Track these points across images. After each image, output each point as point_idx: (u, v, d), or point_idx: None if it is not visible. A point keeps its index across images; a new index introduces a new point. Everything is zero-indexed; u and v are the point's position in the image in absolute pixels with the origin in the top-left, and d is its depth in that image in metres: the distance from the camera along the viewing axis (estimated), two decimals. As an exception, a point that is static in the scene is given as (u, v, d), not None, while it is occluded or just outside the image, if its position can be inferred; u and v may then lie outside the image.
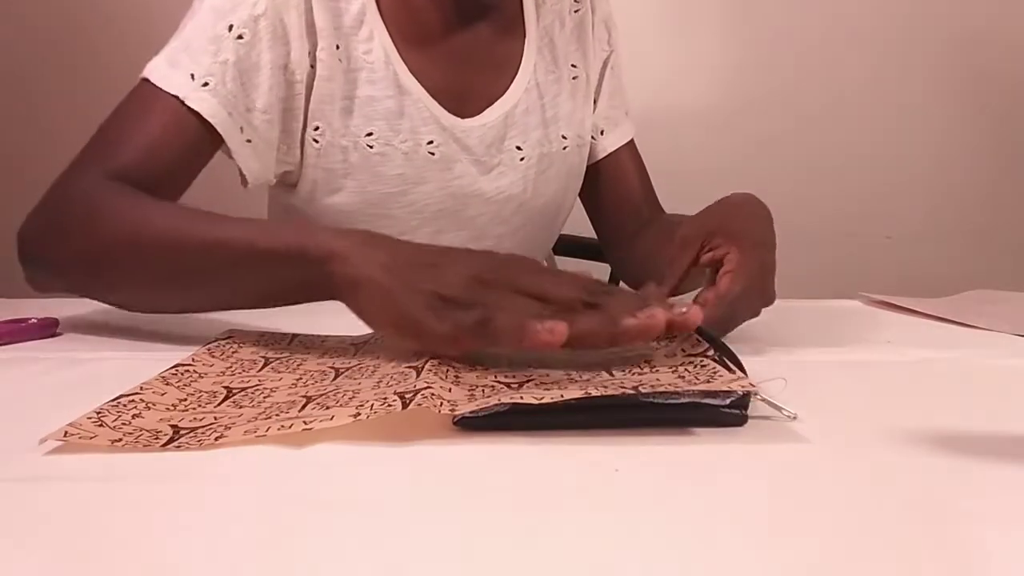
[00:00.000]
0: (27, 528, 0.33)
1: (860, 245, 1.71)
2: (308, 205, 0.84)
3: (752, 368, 0.49)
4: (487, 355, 0.56)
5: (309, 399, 0.47)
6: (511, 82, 0.88)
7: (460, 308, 0.50)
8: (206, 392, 0.50)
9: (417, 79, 0.82)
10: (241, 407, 0.47)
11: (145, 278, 0.63)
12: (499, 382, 0.49)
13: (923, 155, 1.71)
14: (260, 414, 0.45)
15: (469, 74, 0.86)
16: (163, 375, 0.52)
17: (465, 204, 0.86)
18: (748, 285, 0.60)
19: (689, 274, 0.64)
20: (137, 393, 0.48)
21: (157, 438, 0.42)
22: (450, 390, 0.46)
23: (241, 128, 0.74)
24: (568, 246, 1.21)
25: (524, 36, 0.90)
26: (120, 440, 0.41)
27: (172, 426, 0.44)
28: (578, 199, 0.99)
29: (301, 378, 0.53)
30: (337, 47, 0.79)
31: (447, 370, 0.50)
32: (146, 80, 0.72)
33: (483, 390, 0.47)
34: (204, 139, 0.72)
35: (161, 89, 0.71)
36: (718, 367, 0.48)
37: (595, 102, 0.95)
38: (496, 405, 0.42)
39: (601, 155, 0.97)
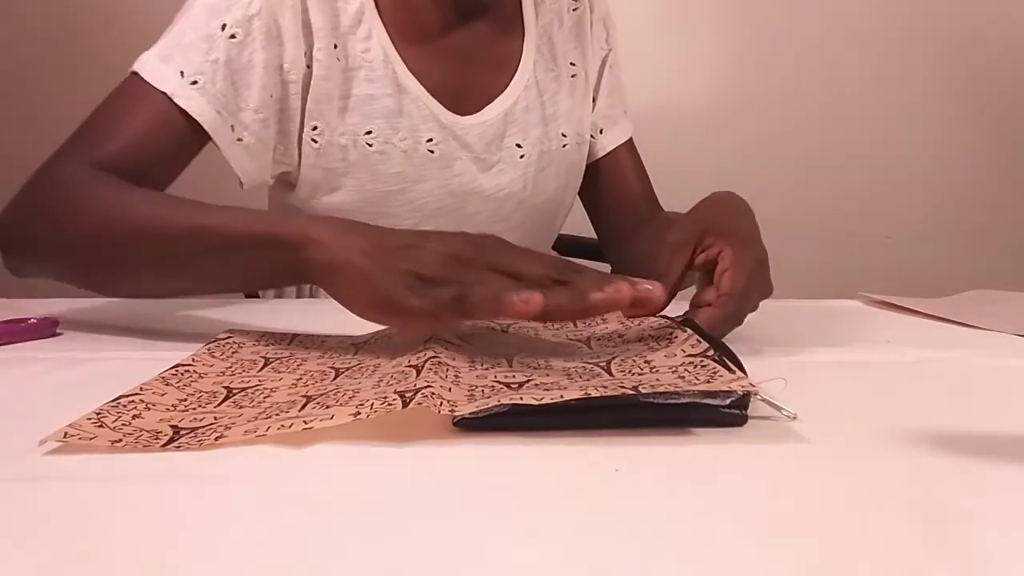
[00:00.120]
0: (27, 528, 0.33)
1: (860, 245, 1.71)
2: (308, 204, 0.84)
3: (752, 368, 0.49)
4: (489, 352, 0.56)
5: (309, 399, 0.47)
6: (510, 80, 0.88)
7: (438, 285, 0.52)
8: (206, 392, 0.50)
9: (416, 77, 0.82)
10: (241, 407, 0.47)
11: (125, 263, 0.64)
12: (499, 382, 0.49)
13: (923, 155, 1.71)
14: (260, 414, 0.45)
15: (468, 72, 0.86)
16: (163, 375, 0.52)
17: (465, 202, 0.86)
18: (749, 279, 0.61)
19: (684, 277, 0.64)
20: (137, 394, 0.48)
21: (157, 438, 0.42)
22: (450, 390, 0.46)
23: (232, 127, 0.74)
24: (568, 246, 1.20)
25: (523, 34, 0.90)
26: (120, 441, 0.41)
27: (172, 426, 0.44)
28: (577, 198, 0.99)
29: (301, 378, 0.53)
30: (335, 46, 0.79)
31: (447, 369, 0.50)
32: (136, 74, 0.72)
33: (483, 390, 0.47)
34: (190, 136, 0.72)
35: (150, 84, 0.71)
36: (718, 367, 0.48)
37: (594, 100, 0.95)
38: (496, 406, 0.42)
39: (600, 154, 0.97)
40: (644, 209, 0.96)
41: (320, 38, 0.77)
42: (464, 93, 0.85)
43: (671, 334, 0.56)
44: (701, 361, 0.49)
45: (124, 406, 0.46)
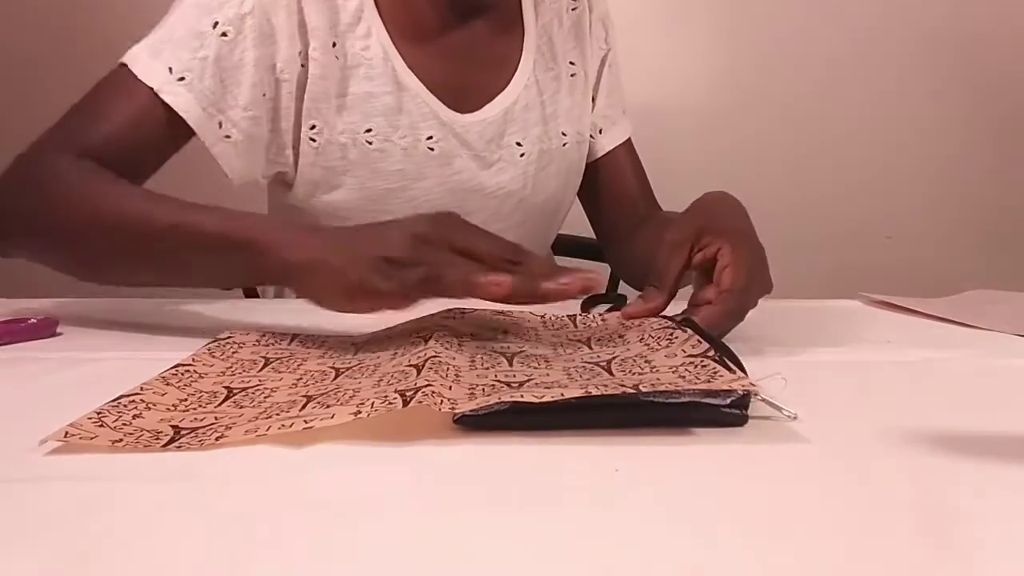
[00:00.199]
0: (27, 528, 0.33)
1: (860, 245, 1.71)
2: (308, 203, 0.84)
3: (752, 368, 0.49)
4: (489, 351, 0.56)
5: (310, 398, 0.47)
6: (510, 79, 0.88)
7: (405, 267, 0.54)
8: (206, 392, 0.50)
9: (416, 75, 0.82)
10: (242, 407, 0.47)
11: (102, 254, 0.66)
12: (499, 381, 0.49)
13: (923, 155, 1.71)
14: (260, 414, 0.45)
15: (468, 71, 0.86)
16: (163, 375, 0.52)
17: (464, 200, 0.86)
18: (749, 276, 0.61)
19: (682, 277, 0.65)
20: (137, 393, 0.48)
21: (158, 438, 0.42)
22: (450, 388, 0.46)
23: (220, 123, 0.74)
24: (568, 246, 1.20)
25: (523, 34, 0.90)
26: (121, 440, 0.41)
27: (173, 426, 0.44)
28: (576, 198, 1.00)
29: (301, 378, 0.53)
30: (333, 44, 0.79)
31: (448, 368, 0.50)
32: (125, 66, 0.73)
33: (483, 389, 0.47)
34: (174, 132, 0.73)
35: (138, 78, 0.72)
36: (718, 367, 0.48)
37: (593, 100, 0.96)
38: (496, 404, 0.42)
39: (599, 154, 0.97)
40: (642, 209, 0.96)
41: (317, 37, 0.77)
42: (464, 91, 0.86)
43: (671, 334, 0.56)
44: (701, 361, 0.49)
45: (124, 406, 0.46)
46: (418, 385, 0.45)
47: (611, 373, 0.51)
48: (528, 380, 0.49)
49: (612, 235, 0.99)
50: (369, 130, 0.81)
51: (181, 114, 0.72)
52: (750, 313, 0.62)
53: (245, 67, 0.74)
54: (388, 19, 0.82)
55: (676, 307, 0.63)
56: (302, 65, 0.78)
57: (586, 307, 0.73)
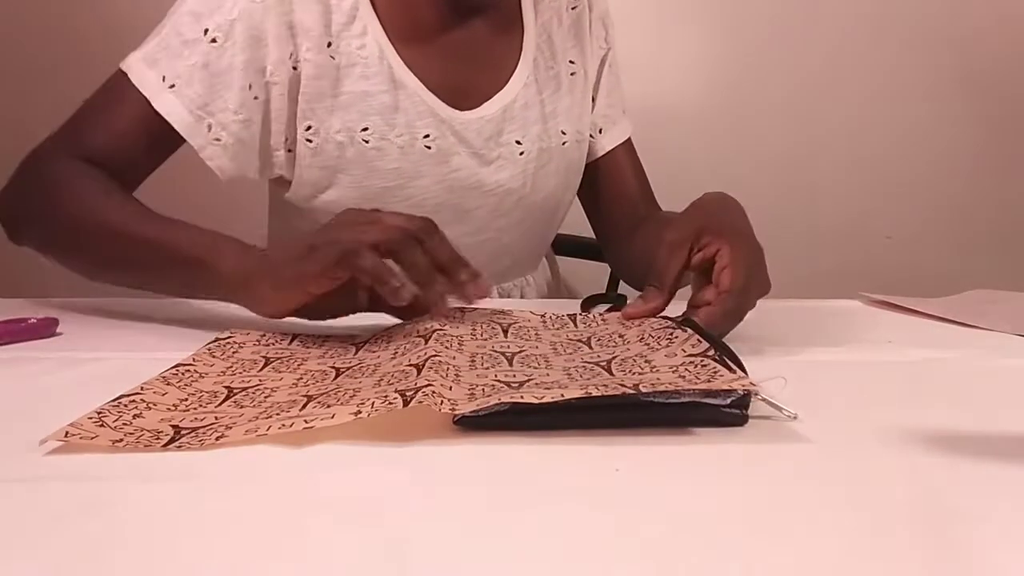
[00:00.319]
0: (27, 528, 0.33)
1: (860, 245, 1.71)
2: (306, 202, 0.84)
3: (752, 368, 0.49)
4: (489, 351, 0.56)
5: (310, 398, 0.47)
6: (509, 77, 0.88)
7: (325, 247, 0.59)
8: (207, 392, 0.50)
9: (414, 73, 0.83)
10: (242, 407, 0.47)
11: (92, 257, 0.72)
12: (499, 381, 0.49)
13: (923, 155, 1.71)
14: (261, 413, 0.45)
15: (467, 69, 0.86)
16: (164, 375, 0.52)
17: (463, 197, 0.86)
18: (748, 276, 0.61)
19: (681, 277, 0.65)
20: (138, 393, 0.48)
21: (158, 438, 0.42)
22: (451, 388, 0.46)
23: (209, 127, 0.77)
24: (568, 246, 1.20)
25: (522, 32, 0.90)
26: (121, 440, 0.41)
27: (173, 426, 0.44)
28: (576, 198, 0.99)
29: (302, 378, 0.53)
30: (329, 44, 0.79)
31: (448, 368, 0.50)
32: (124, 73, 0.77)
33: (483, 389, 0.47)
34: (166, 136, 0.77)
35: (134, 85, 0.76)
36: (719, 367, 0.48)
37: (593, 100, 0.95)
38: (496, 404, 0.42)
39: (599, 153, 0.97)
40: (642, 209, 0.96)
41: (310, 38, 0.78)
42: (463, 90, 0.85)
43: (671, 334, 0.56)
44: (702, 361, 0.49)
45: (125, 405, 0.46)
46: (418, 385, 0.45)
47: (611, 373, 0.51)
48: (528, 380, 0.49)
49: (612, 235, 0.99)
50: (366, 129, 0.81)
51: (170, 121, 0.76)
52: (750, 313, 0.62)
53: (234, 71, 0.76)
54: (384, 18, 0.82)
55: (676, 307, 0.63)
56: (294, 67, 0.79)
57: (586, 307, 0.73)
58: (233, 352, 0.59)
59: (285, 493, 0.37)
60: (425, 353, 0.53)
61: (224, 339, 0.61)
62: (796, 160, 1.70)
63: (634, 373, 0.50)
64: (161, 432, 0.43)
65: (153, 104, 0.75)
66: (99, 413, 0.44)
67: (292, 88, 0.79)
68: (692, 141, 1.68)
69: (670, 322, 0.59)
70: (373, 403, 0.43)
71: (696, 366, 0.48)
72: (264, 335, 0.63)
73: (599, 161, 0.97)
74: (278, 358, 0.58)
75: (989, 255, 1.69)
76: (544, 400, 0.42)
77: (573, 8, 0.93)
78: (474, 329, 0.62)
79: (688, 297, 0.65)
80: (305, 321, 0.64)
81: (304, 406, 0.45)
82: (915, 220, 1.72)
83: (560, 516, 0.34)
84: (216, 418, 0.45)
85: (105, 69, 0.78)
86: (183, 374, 0.53)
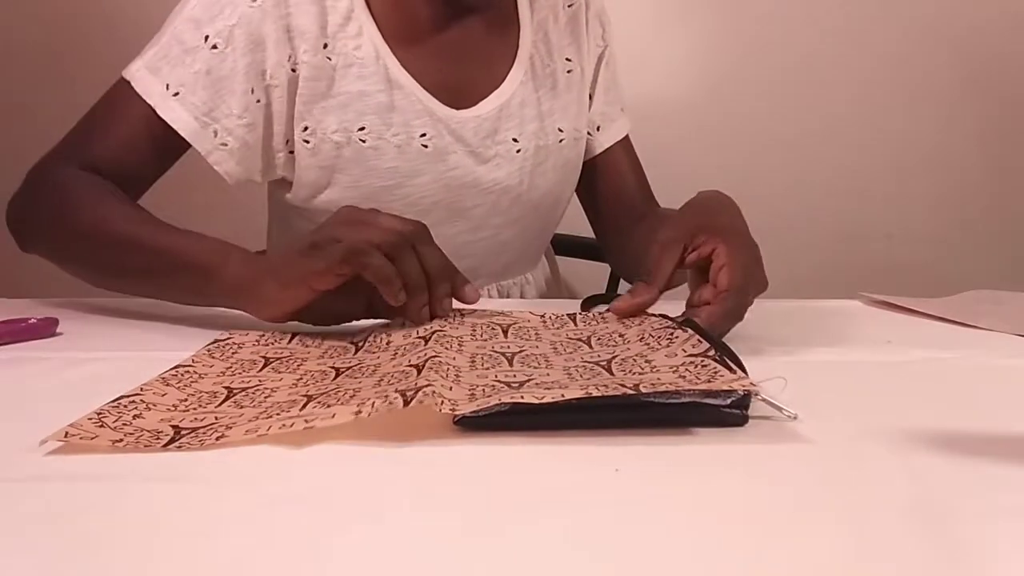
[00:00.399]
0: (27, 527, 0.33)
1: (860, 245, 1.71)
2: (305, 203, 0.85)
3: (752, 368, 0.49)
4: (490, 351, 0.56)
5: (310, 398, 0.47)
6: (506, 75, 0.88)
7: (330, 246, 0.60)
8: (206, 392, 0.50)
9: (409, 73, 0.83)
10: (242, 407, 0.47)
11: (96, 264, 0.74)
12: (500, 381, 0.49)
13: (923, 155, 1.71)
14: (261, 413, 0.45)
15: (462, 68, 0.86)
16: (163, 376, 0.52)
17: (461, 195, 0.86)
18: (745, 275, 0.61)
19: (674, 275, 0.65)
20: (137, 394, 0.48)
21: (158, 438, 0.42)
22: (451, 388, 0.46)
23: (215, 132, 0.77)
24: (568, 246, 1.20)
25: (518, 30, 0.90)
26: (121, 440, 0.41)
27: (173, 426, 0.44)
28: (575, 196, 0.99)
29: (302, 378, 0.53)
30: (325, 46, 0.80)
31: (448, 369, 0.50)
32: (127, 82, 0.77)
33: (483, 389, 0.47)
34: (172, 143, 0.78)
35: (137, 94, 0.76)
36: (719, 367, 0.48)
37: (590, 97, 0.95)
38: (496, 405, 0.42)
39: (597, 151, 0.97)
40: (640, 206, 0.96)
41: (306, 40, 0.79)
42: (459, 89, 0.86)
43: (671, 334, 0.56)
44: (702, 361, 0.49)
45: (125, 406, 0.46)
46: (419, 385, 0.45)
47: (611, 373, 0.51)
48: (528, 380, 0.49)
49: (611, 232, 0.99)
50: (362, 128, 0.81)
51: (176, 128, 0.76)
52: (750, 313, 0.62)
53: (236, 76, 0.77)
54: (380, 18, 0.82)
55: (675, 307, 0.63)
56: (292, 69, 0.79)
57: (586, 307, 0.73)
58: (232, 353, 0.59)
59: (285, 493, 0.37)
60: (425, 354, 0.53)
61: (223, 340, 0.61)
62: (795, 158, 1.70)
63: (634, 373, 0.50)
64: (161, 432, 0.43)
65: (158, 112, 0.76)
66: (99, 414, 0.44)
67: (291, 90, 0.79)
68: (691, 140, 1.68)
69: (670, 322, 0.59)
70: (373, 403, 0.43)
71: (696, 366, 0.48)
72: (263, 335, 0.63)
73: (597, 159, 0.97)
74: (277, 358, 0.58)
75: (989, 255, 1.69)
76: (544, 400, 0.42)
77: (569, 6, 0.93)
78: (474, 330, 0.62)
79: (686, 297, 0.65)
80: (305, 325, 0.64)
81: (304, 406, 0.45)
82: (915, 220, 1.72)
83: (560, 516, 0.34)
84: (216, 418, 0.45)
85: (112, 72, 0.78)
86: (182, 375, 0.53)
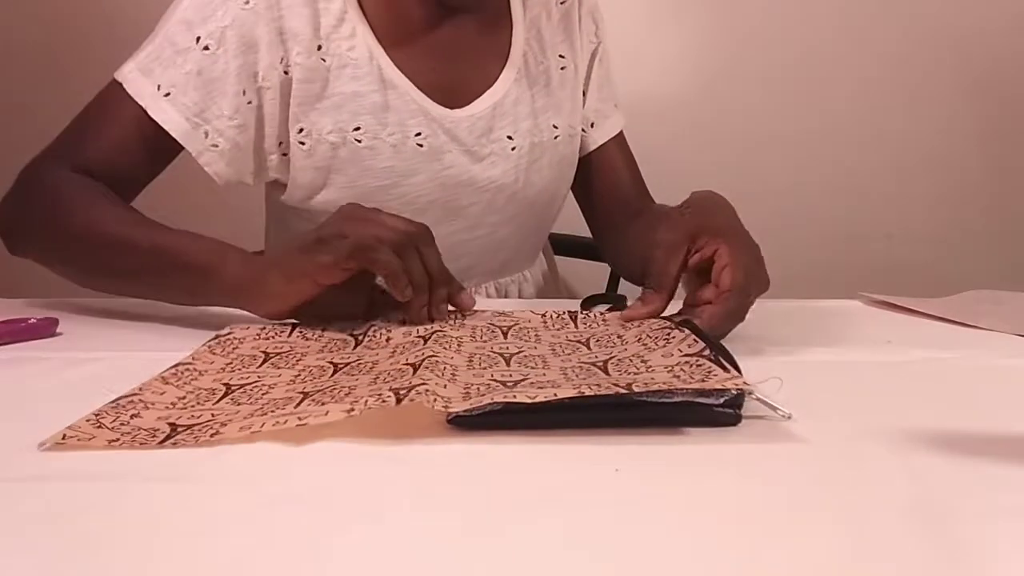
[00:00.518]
0: (27, 527, 0.33)
1: (860, 245, 1.71)
2: (302, 204, 0.85)
3: (751, 368, 0.49)
4: (488, 351, 0.56)
5: (305, 395, 0.47)
6: (499, 73, 0.88)
7: (336, 240, 0.60)
8: (205, 389, 0.50)
9: (403, 73, 0.83)
10: (239, 404, 0.47)
11: (89, 268, 0.73)
12: (495, 380, 0.49)
13: (923, 154, 1.71)
14: (256, 411, 0.45)
15: (455, 67, 0.86)
16: (163, 375, 0.52)
17: (456, 194, 0.87)
18: (747, 275, 0.61)
19: (679, 278, 0.65)
20: (136, 394, 0.48)
21: (154, 436, 0.42)
22: (445, 386, 0.46)
23: (206, 133, 0.77)
24: (567, 246, 1.20)
25: (511, 28, 0.90)
26: (117, 440, 0.41)
27: (170, 424, 0.44)
28: (571, 193, 1.00)
29: (300, 374, 0.53)
30: (319, 47, 0.80)
31: (444, 368, 0.50)
32: (119, 83, 0.77)
33: (478, 388, 0.47)
34: (163, 145, 0.77)
35: (129, 95, 0.76)
36: (713, 366, 0.48)
37: (584, 94, 0.95)
38: (489, 404, 0.42)
39: (591, 148, 0.97)
40: (635, 202, 0.96)
41: (299, 42, 0.79)
42: (453, 87, 0.86)
43: (669, 334, 0.56)
44: (697, 360, 0.49)
45: (123, 407, 0.46)
46: (412, 384, 0.45)
47: (607, 373, 0.51)
48: (524, 379, 0.49)
49: (606, 229, 0.99)
50: (358, 128, 0.81)
51: (167, 128, 0.76)
52: (750, 313, 0.62)
53: (228, 77, 0.77)
54: (373, 19, 0.82)
55: (673, 307, 0.63)
56: (285, 72, 0.79)
57: (586, 306, 0.73)
58: (233, 348, 0.59)
59: (285, 493, 0.37)
60: (423, 353, 0.53)
61: (224, 336, 0.61)
62: (794, 157, 1.70)
63: (630, 373, 0.50)
64: (157, 430, 0.43)
65: (150, 113, 0.75)
66: (97, 415, 0.44)
67: (284, 92, 0.79)
68: (685, 136, 1.68)
69: (668, 322, 0.59)
70: (366, 401, 0.43)
71: (691, 366, 0.49)
72: (264, 328, 0.63)
73: (592, 155, 0.97)
74: (277, 353, 0.58)
75: (989, 255, 1.69)
76: (537, 399, 0.43)
77: (562, 3, 0.93)
78: (474, 332, 0.62)
79: (683, 297, 0.65)
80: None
81: (299, 403, 0.46)
82: (915, 220, 1.72)
83: (559, 516, 0.34)
84: (212, 415, 0.45)
85: (110, 72, 0.78)
86: (182, 373, 0.53)
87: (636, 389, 0.44)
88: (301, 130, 0.81)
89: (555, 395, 0.43)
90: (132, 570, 0.30)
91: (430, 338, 0.57)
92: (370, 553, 0.31)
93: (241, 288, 0.65)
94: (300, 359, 0.57)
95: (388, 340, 0.60)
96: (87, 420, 0.44)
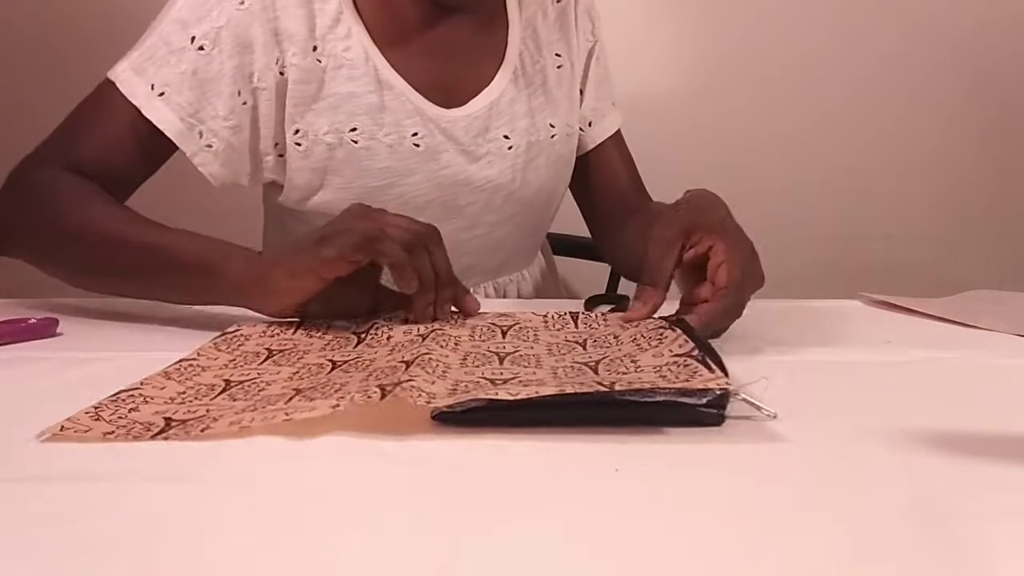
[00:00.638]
0: (27, 527, 0.33)
1: (860, 245, 1.71)
2: (299, 205, 0.85)
3: (750, 367, 0.49)
4: (484, 350, 0.56)
5: (298, 392, 0.48)
6: (495, 73, 0.88)
7: (342, 235, 0.61)
8: (205, 385, 0.51)
9: (399, 73, 0.83)
10: (235, 400, 0.48)
11: (83, 267, 0.73)
12: (484, 378, 0.49)
13: (923, 154, 1.71)
14: (249, 407, 0.46)
15: (451, 67, 0.86)
16: (166, 370, 0.53)
17: (454, 194, 0.87)
18: (743, 272, 0.61)
19: (673, 275, 0.65)
20: (137, 388, 0.49)
21: (149, 429, 0.43)
22: (433, 383, 0.46)
23: (200, 133, 0.77)
24: (568, 246, 1.20)
25: (507, 27, 0.90)
26: (113, 433, 0.42)
27: (165, 418, 0.44)
28: (569, 192, 1.00)
29: (298, 372, 0.53)
30: (315, 48, 0.80)
31: (436, 365, 0.51)
32: (111, 82, 0.76)
33: (466, 385, 0.47)
34: (157, 144, 0.77)
35: (122, 95, 0.76)
36: (699, 367, 0.48)
37: (581, 93, 0.95)
38: (471, 400, 0.43)
39: (589, 146, 0.97)
40: (632, 200, 0.96)
41: (295, 43, 0.79)
42: (449, 87, 0.86)
43: (662, 334, 0.56)
44: (684, 361, 0.49)
45: (123, 400, 0.47)
46: (400, 379, 0.45)
47: (597, 373, 0.51)
48: (513, 378, 0.49)
49: (604, 227, 1.00)
50: (354, 129, 0.81)
51: (161, 128, 0.75)
52: (749, 313, 0.62)
53: (223, 78, 0.77)
54: (368, 19, 0.82)
55: (670, 307, 0.64)
56: (280, 73, 0.79)
57: (589, 307, 0.73)
58: (239, 345, 0.59)
59: (285, 493, 0.37)
60: (419, 351, 0.53)
61: (231, 332, 0.62)
62: (794, 157, 1.70)
63: (618, 372, 0.50)
64: (152, 424, 0.43)
65: (144, 112, 0.75)
66: (96, 408, 0.45)
67: (279, 93, 0.79)
68: (683, 135, 1.68)
69: (664, 322, 0.59)
70: (352, 397, 0.43)
71: (679, 366, 0.49)
72: (270, 326, 0.64)
73: (589, 154, 0.97)
74: (280, 350, 0.59)
75: (989, 255, 1.69)
76: (518, 397, 0.43)
77: (558, 1, 0.93)
78: (473, 331, 0.62)
79: (678, 296, 0.65)
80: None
81: (290, 399, 0.46)
82: (915, 219, 1.72)
83: (558, 514, 0.34)
84: (207, 411, 0.45)
85: (108, 69, 0.78)
86: (185, 368, 0.53)
87: (619, 388, 0.44)
88: (297, 131, 0.81)
89: (537, 392, 0.43)
90: (132, 570, 0.30)
91: (428, 336, 0.57)
92: (370, 553, 0.31)
93: (245, 286, 0.65)
94: (301, 357, 0.57)
95: (389, 338, 0.60)
96: (86, 412, 0.44)
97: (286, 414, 0.42)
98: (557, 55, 0.92)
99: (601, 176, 0.98)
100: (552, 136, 0.91)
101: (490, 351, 0.57)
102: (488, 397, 0.43)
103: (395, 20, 0.83)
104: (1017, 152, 1.71)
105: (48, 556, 0.31)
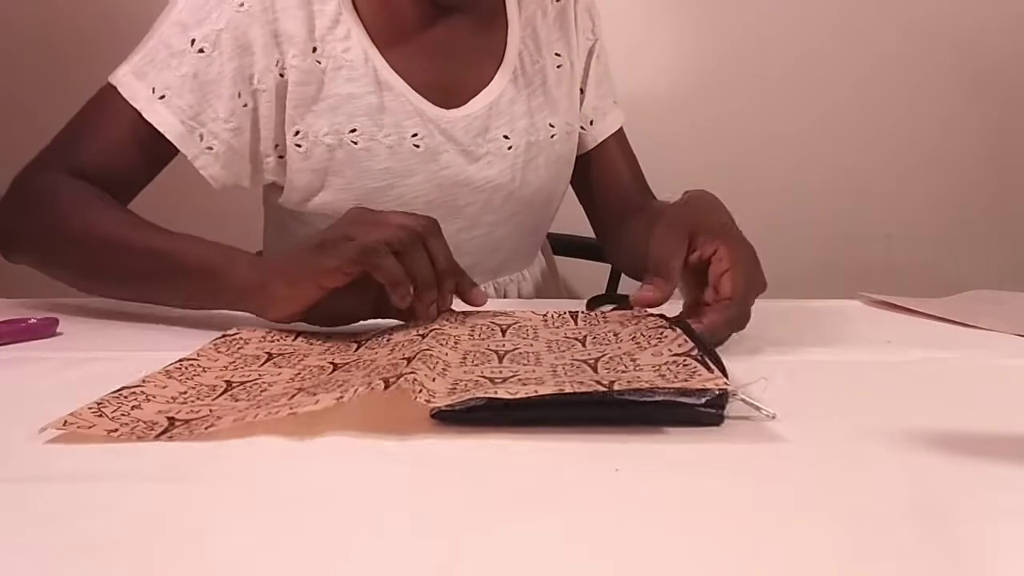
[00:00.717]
0: (27, 527, 0.33)
1: (860, 245, 1.71)
2: (299, 206, 0.85)
3: (750, 367, 0.49)
4: (483, 349, 0.56)
5: (300, 390, 0.48)
6: (495, 73, 0.88)
7: (342, 244, 0.60)
8: (206, 386, 0.51)
9: (399, 74, 0.83)
10: (238, 400, 0.48)
11: (86, 271, 0.73)
12: (483, 377, 0.49)
13: (923, 155, 1.71)
14: (252, 405, 0.46)
15: (451, 67, 0.86)
16: (167, 369, 0.53)
17: (454, 194, 0.87)
18: (747, 280, 0.61)
19: (681, 269, 0.65)
20: (139, 385, 0.49)
21: (152, 429, 0.43)
22: (434, 380, 0.47)
23: (201, 136, 0.77)
24: (568, 246, 1.20)
25: (506, 27, 0.90)
26: (116, 431, 0.42)
27: (168, 418, 0.44)
28: (572, 191, 1.00)
29: (299, 373, 0.53)
30: (314, 49, 0.80)
31: (437, 362, 0.51)
32: (113, 86, 0.77)
33: (465, 384, 0.47)
34: (159, 148, 0.77)
35: (124, 99, 0.76)
36: (698, 366, 0.48)
37: (582, 91, 0.95)
38: (470, 399, 0.43)
39: (591, 145, 0.97)
40: (636, 198, 0.96)
41: (295, 44, 0.79)
42: (449, 87, 0.86)
43: (661, 333, 0.56)
44: (684, 360, 0.49)
45: (125, 397, 0.47)
46: (402, 372, 0.45)
47: (596, 371, 0.51)
48: (512, 376, 0.49)
49: (607, 225, 0.99)
50: (354, 130, 0.81)
51: (162, 131, 0.76)
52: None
53: (223, 80, 0.77)
54: (367, 20, 0.82)
55: (671, 308, 0.63)
56: (280, 74, 0.79)
57: (591, 307, 0.73)
58: (239, 348, 0.59)
59: (285, 493, 0.37)
60: (419, 348, 0.53)
61: (231, 335, 0.62)
62: (794, 157, 1.70)
63: (617, 371, 0.50)
64: (156, 423, 0.43)
65: (144, 116, 0.75)
66: (99, 403, 0.45)
67: (279, 95, 0.80)
68: (683, 135, 1.68)
69: (664, 321, 0.59)
70: (356, 389, 0.43)
71: (678, 365, 0.49)
72: (270, 331, 0.63)
73: (592, 152, 0.97)
74: (280, 354, 0.59)
75: (989, 255, 1.69)
76: (517, 396, 0.43)
77: (557, 0, 0.93)
78: (472, 330, 0.62)
79: (680, 300, 0.65)
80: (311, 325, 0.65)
81: (293, 396, 0.46)
82: (915, 219, 1.72)
83: (559, 514, 0.34)
84: (211, 411, 0.46)
85: (109, 70, 0.78)
86: (186, 368, 0.53)
87: (617, 387, 0.44)
88: (297, 132, 0.81)
89: (535, 391, 0.43)
90: (133, 570, 0.30)
91: (428, 335, 0.58)
92: (371, 553, 0.31)
93: (247, 292, 0.65)
94: (302, 359, 0.57)
95: (389, 339, 0.60)
96: (89, 408, 0.44)
97: (291, 408, 0.42)
98: (557, 54, 0.92)
99: (603, 174, 0.98)
100: (552, 136, 0.91)
101: (489, 349, 0.57)
102: (487, 396, 0.43)
103: (394, 20, 0.83)
104: (1017, 152, 1.71)
105: (48, 556, 0.31)
